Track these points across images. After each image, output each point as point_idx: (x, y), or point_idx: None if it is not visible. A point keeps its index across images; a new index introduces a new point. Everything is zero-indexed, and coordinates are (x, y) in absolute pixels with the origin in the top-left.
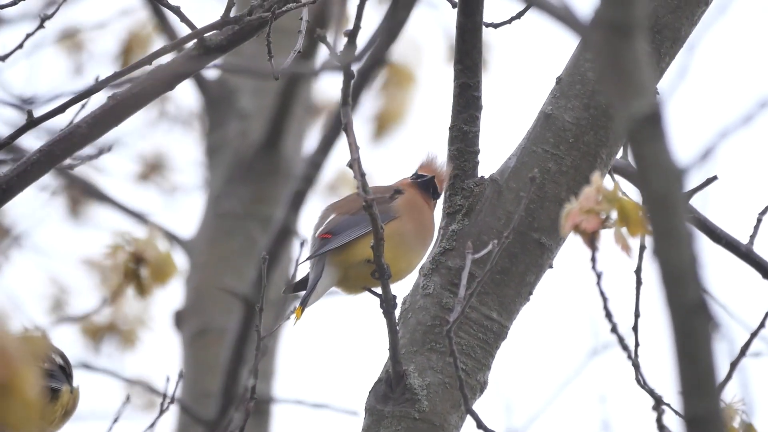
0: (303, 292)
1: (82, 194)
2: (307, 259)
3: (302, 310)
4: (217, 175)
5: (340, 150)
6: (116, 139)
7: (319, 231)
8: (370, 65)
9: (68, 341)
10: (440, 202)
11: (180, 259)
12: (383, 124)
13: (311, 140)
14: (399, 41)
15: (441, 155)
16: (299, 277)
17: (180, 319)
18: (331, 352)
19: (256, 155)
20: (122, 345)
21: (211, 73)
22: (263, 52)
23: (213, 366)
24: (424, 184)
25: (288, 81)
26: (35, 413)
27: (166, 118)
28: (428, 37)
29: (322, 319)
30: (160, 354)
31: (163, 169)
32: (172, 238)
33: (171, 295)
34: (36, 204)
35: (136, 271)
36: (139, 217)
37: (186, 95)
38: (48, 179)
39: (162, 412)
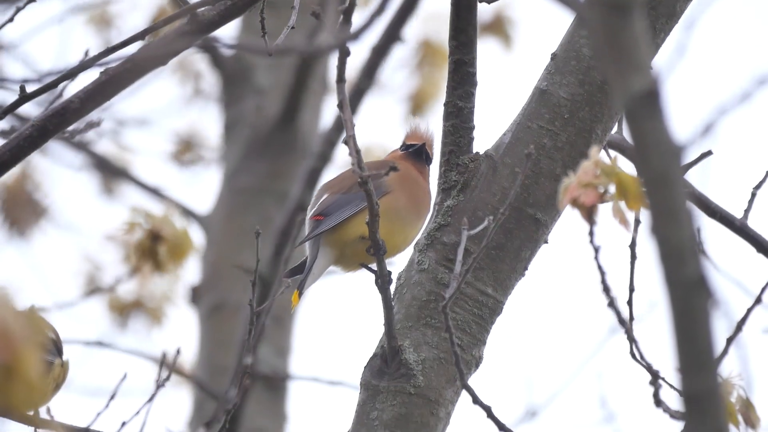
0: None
1: (101, 170)
2: (301, 242)
3: (299, 294)
4: (234, 151)
5: (357, 128)
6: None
7: (312, 212)
8: (386, 42)
9: (94, 318)
10: (435, 177)
11: (196, 235)
12: (418, 104)
13: (327, 116)
14: (434, 19)
15: (423, 122)
16: (294, 260)
17: (196, 294)
18: (347, 330)
19: (273, 131)
20: (149, 322)
21: (227, 48)
22: (278, 28)
23: (229, 341)
24: (416, 152)
25: (304, 57)
26: (37, 394)
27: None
28: None
29: (338, 297)
30: (175, 329)
31: (193, 148)
32: (188, 213)
33: (187, 271)
34: (68, 181)
35: (153, 248)
36: (156, 192)
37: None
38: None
39: (159, 386)
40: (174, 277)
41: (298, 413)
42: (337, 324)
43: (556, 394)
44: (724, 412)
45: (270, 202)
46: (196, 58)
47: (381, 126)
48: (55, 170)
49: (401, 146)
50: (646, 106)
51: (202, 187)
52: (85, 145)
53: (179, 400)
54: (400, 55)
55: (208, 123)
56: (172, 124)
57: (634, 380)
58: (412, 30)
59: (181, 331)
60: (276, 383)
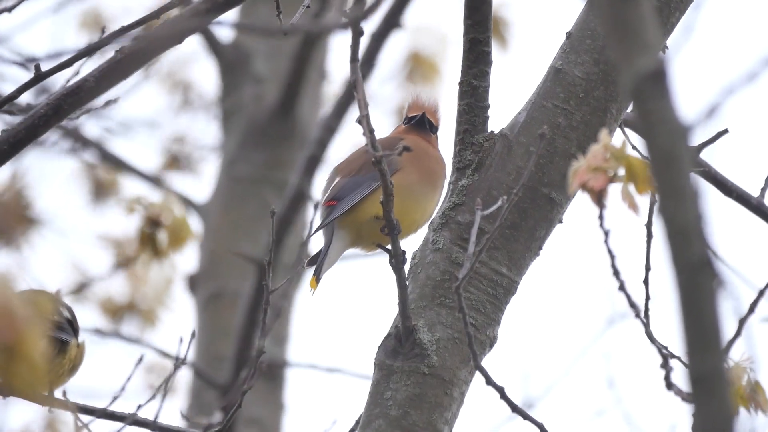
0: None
1: (99, 161)
2: (317, 229)
3: (317, 280)
4: (232, 140)
5: (355, 115)
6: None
7: (325, 198)
8: (385, 28)
9: (88, 318)
10: (449, 156)
11: (195, 224)
12: None
13: (326, 105)
14: (423, 32)
15: (423, 91)
16: (310, 246)
17: (194, 283)
18: (345, 317)
19: (271, 120)
20: (142, 323)
21: (226, 37)
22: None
23: (226, 330)
24: (419, 122)
25: (303, 45)
26: (41, 375)
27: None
28: (453, 28)
29: (336, 284)
30: (173, 319)
31: (184, 151)
32: (187, 202)
33: (185, 260)
34: (59, 184)
35: (152, 235)
36: (155, 181)
37: (207, 77)
38: (73, 150)
39: (174, 371)
40: (167, 279)
41: (296, 403)
42: (335, 311)
43: (553, 386)
44: (731, 394)
45: (268, 190)
46: (186, 67)
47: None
48: (48, 169)
49: (404, 119)
50: (653, 86)
51: (199, 177)
52: (86, 138)
53: (176, 388)
54: (389, 67)
55: (199, 131)
56: (164, 130)
57: (639, 366)
58: (401, 43)
59: (178, 324)
60: (273, 372)
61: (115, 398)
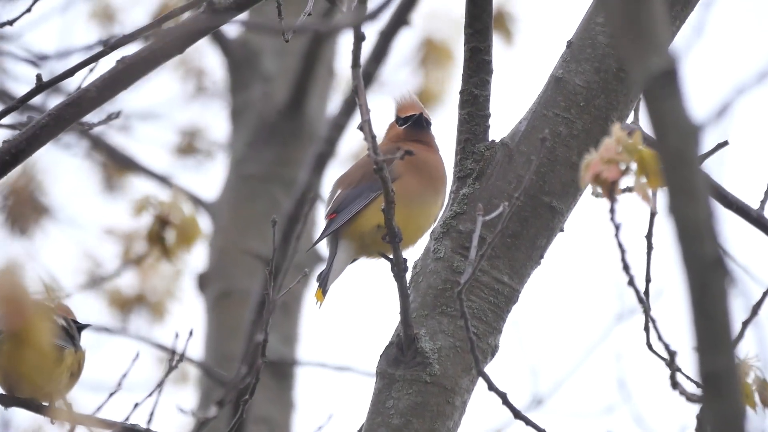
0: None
1: (108, 159)
2: (315, 243)
3: (323, 293)
4: (241, 138)
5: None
6: (150, 111)
7: (327, 211)
8: (393, 26)
9: (97, 311)
10: (451, 165)
11: (204, 222)
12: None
13: (335, 103)
14: (436, 18)
15: (409, 91)
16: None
17: (203, 282)
18: (355, 315)
19: (280, 118)
20: (151, 316)
21: (234, 35)
22: (289, 12)
23: (236, 329)
24: (416, 123)
25: (311, 43)
26: (47, 363)
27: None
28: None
29: (346, 283)
30: (183, 317)
31: (197, 142)
32: (195, 201)
33: (195, 258)
34: (70, 176)
35: (160, 234)
36: (163, 180)
37: (215, 66)
38: (82, 148)
39: (171, 369)
40: (176, 272)
41: (306, 401)
42: (344, 310)
43: (562, 383)
44: (741, 392)
45: (277, 189)
46: (200, 54)
47: (383, 123)
48: (59, 161)
49: (396, 120)
50: (664, 85)
51: (209, 175)
52: (96, 137)
53: (185, 391)
54: (402, 53)
55: (212, 118)
56: (175, 119)
57: (642, 368)
58: (414, 29)
59: (187, 321)
60: (283, 370)
61: (111, 394)
